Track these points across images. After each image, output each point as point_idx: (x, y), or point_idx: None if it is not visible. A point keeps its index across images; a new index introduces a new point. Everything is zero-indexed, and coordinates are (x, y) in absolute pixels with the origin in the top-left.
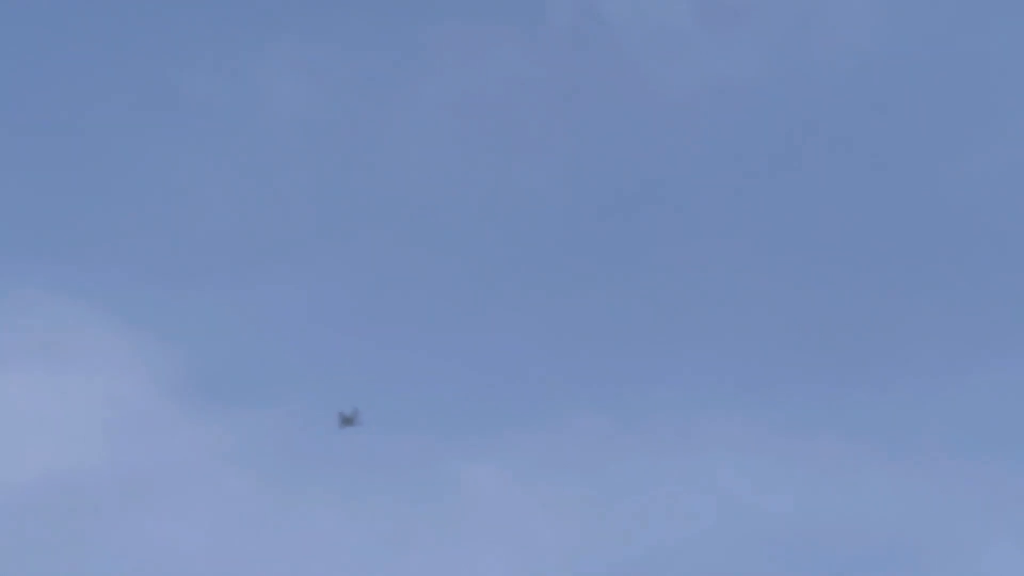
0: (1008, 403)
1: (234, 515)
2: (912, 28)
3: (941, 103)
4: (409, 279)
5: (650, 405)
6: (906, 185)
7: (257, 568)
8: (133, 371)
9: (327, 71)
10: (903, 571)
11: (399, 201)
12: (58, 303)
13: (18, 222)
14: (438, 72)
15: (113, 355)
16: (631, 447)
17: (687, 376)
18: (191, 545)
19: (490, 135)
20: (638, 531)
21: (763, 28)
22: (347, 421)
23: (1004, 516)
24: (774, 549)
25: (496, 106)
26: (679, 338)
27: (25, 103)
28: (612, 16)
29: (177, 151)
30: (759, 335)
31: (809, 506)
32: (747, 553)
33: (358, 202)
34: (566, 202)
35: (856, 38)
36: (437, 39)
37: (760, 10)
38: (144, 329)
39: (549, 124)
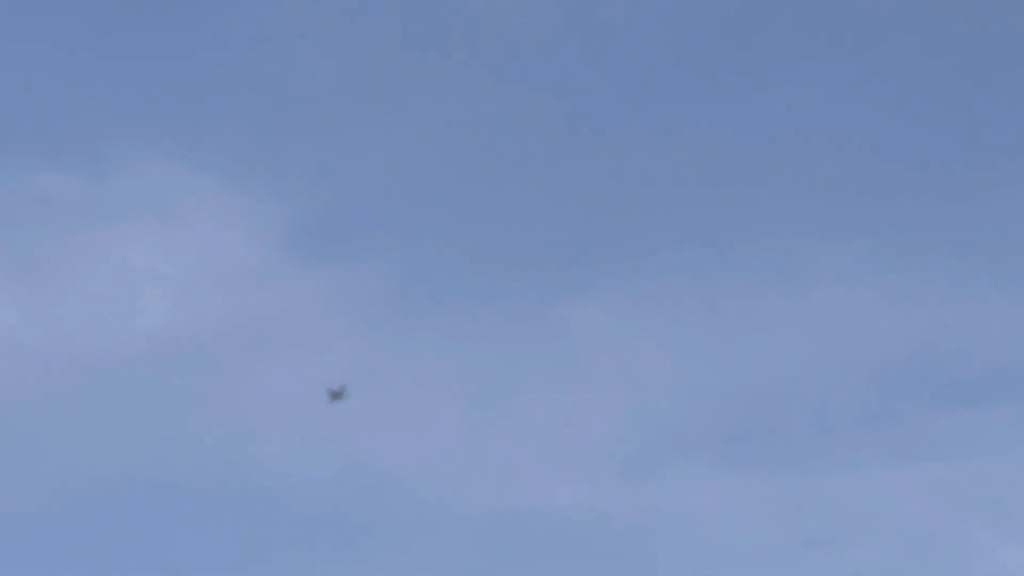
0: None
1: (344, 365)
2: None
3: None
4: (509, 121)
5: (755, 236)
6: None
7: (369, 419)
8: (239, 226)
9: None
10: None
11: (496, 42)
12: (162, 162)
13: (121, 83)
14: None
15: (218, 211)
16: (734, 283)
17: (792, 205)
18: (302, 395)
19: None
20: (748, 365)
21: None
22: (335, 396)
23: None
24: (887, 379)
25: None
26: (782, 166)
27: None
28: None
29: (274, 3)
30: (864, 158)
31: (922, 334)
32: (859, 384)
33: (454, 45)
34: (660, 32)
35: None
36: None
37: None
38: (248, 184)
39: None
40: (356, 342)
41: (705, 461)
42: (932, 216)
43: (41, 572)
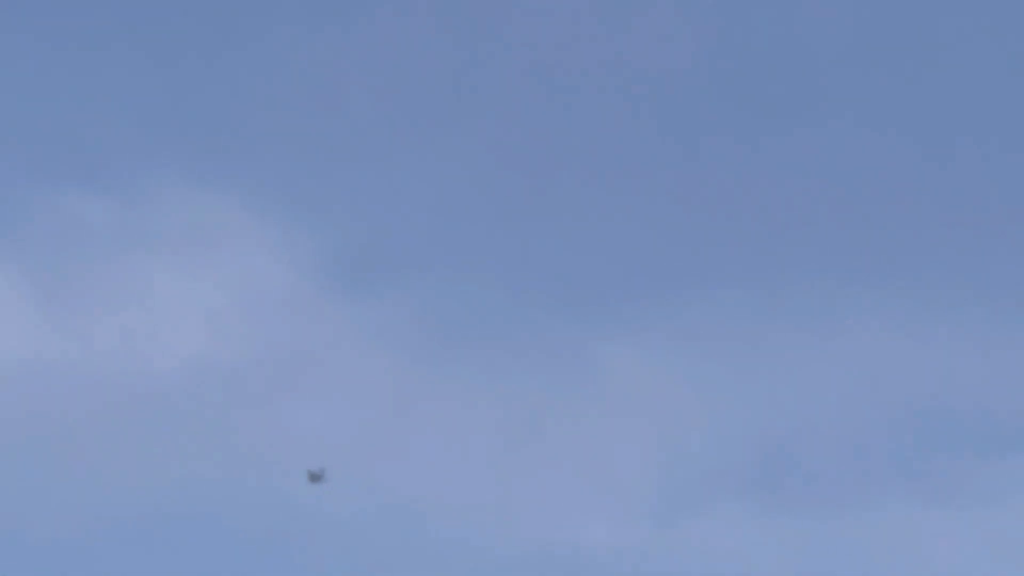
0: None
1: (377, 396)
2: None
3: None
4: (549, 156)
5: (791, 278)
6: None
7: (400, 453)
8: (274, 255)
9: None
10: None
11: (538, 75)
12: (197, 190)
13: (154, 109)
14: None
15: (253, 240)
16: (771, 321)
17: (831, 249)
18: (334, 426)
19: None
20: (782, 407)
21: None
22: (315, 478)
23: None
24: (920, 424)
25: None
26: (822, 209)
27: None
28: None
29: (312, 31)
30: (902, 206)
31: (956, 381)
32: (892, 428)
33: (495, 76)
34: (700, 69)
35: None
36: None
37: None
38: (284, 213)
39: None
40: (389, 374)
41: (737, 502)
42: (969, 265)
43: None
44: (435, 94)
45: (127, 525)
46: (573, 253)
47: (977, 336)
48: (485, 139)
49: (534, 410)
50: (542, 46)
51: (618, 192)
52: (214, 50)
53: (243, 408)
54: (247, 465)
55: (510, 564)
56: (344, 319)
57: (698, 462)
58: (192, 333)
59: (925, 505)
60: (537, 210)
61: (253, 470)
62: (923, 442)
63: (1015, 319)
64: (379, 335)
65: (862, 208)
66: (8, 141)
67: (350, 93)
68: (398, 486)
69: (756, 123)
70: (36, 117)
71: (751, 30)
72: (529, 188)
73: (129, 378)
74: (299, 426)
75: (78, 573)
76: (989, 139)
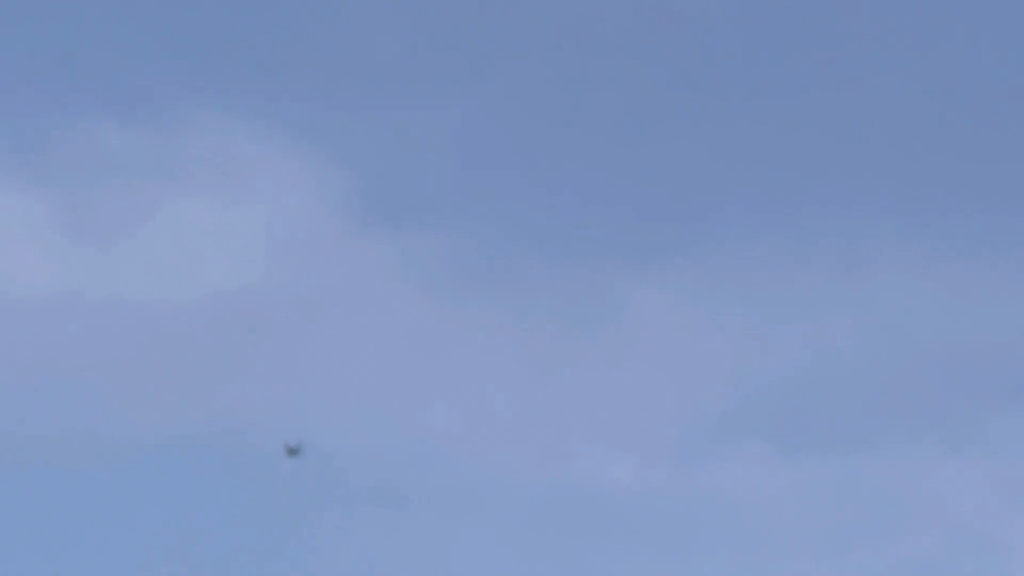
0: None
1: (398, 334)
2: None
3: None
4: (580, 98)
5: (817, 226)
6: None
7: (424, 389)
8: (302, 192)
9: None
10: None
11: (569, 16)
12: (228, 122)
13: (190, 44)
14: None
15: (283, 176)
16: (795, 273)
17: (857, 197)
18: (359, 361)
19: None
20: (804, 352)
21: None
22: (292, 452)
23: None
24: (941, 371)
25: None
26: (849, 158)
27: None
28: None
29: None
30: (924, 158)
31: (978, 330)
32: (913, 375)
33: (526, 17)
34: (730, 18)
35: None
36: None
37: None
38: (313, 150)
39: None
40: (415, 311)
41: (757, 444)
42: (994, 214)
43: (101, 527)
44: (465, 33)
45: (152, 455)
46: (600, 196)
47: (999, 282)
48: (515, 80)
49: (558, 350)
50: None
51: (646, 137)
52: None
53: (269, 341)
54: (271, 398)
55: (529, 499)
56: (371, 256)
57: (719, 404)
58: (219, 265)
59: (942, 450)
60: (565, 152)
61: (277, 403)
62: (942, 387)
63: None
64: (406, 273)
65: (885, 154)
66: (38, 70)
67: (383, 30)
68: (420, 419)
69: (783, 73)
70: (67, 45)
71: None
72: (557, 130)
73: (155, 308)
74: (325, 360)
75: (103, 500)
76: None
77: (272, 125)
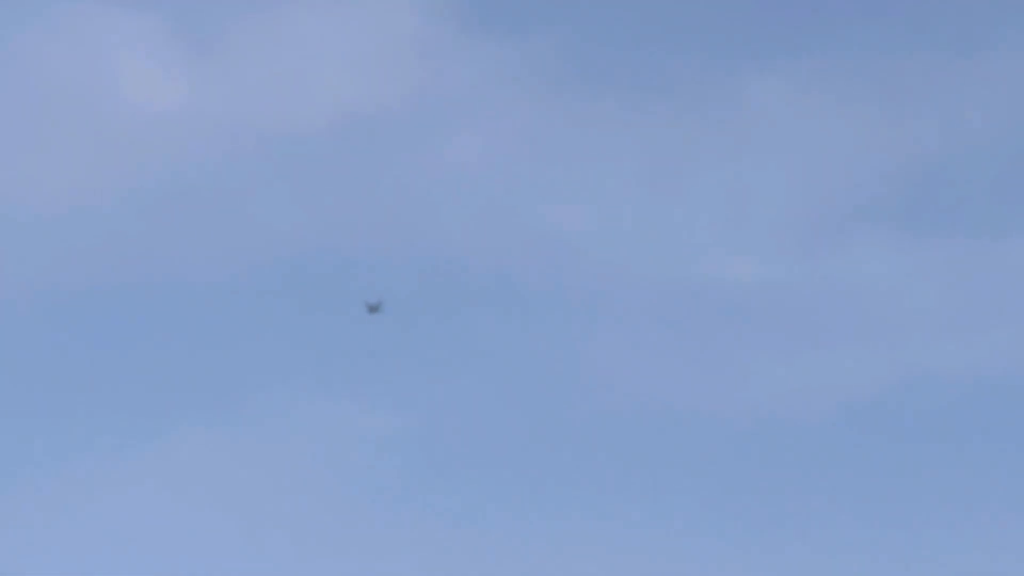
0: None
1: (522, 137)
2: None
3: None
4: None
5: (940, 11)
6: None
7: (545, 191)
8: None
9: None
10: None
11: None
12: None
13: None
14: None
15: None
16: (920, 54)
17: None
18: (477, 169)
19: None
20: (928, 136)
21: None
22: (373, 309)
23: None
24: None
25: None
26: None
27: None
28: None
29: None
30: None
31: None
32: None
33: None
34: None
35: None
36: None
37: None
38: None
39: None
40: (529, 115)
41: (884, 229)
42: None
43: (229, 338)
44: None
45: (274, 270)
46: None
47: None
48: None
49: (681, 145)
50: None
51: None
52: None
53: (387, 153)
54: (393, 208)
55: (652, 294)
56: (482, 61)
57: (844, 191)
58: (336, 80)
59: None
60: None
61: (399, 212)
62: None
63: None
64: (518, 76)
65: None
66: None
67: None
68: (543, 219)
69: None
70: None
71: None
72: None
73: (272, 126)
74: (443, 167)
75: (231, 314)
76: None
77: None
